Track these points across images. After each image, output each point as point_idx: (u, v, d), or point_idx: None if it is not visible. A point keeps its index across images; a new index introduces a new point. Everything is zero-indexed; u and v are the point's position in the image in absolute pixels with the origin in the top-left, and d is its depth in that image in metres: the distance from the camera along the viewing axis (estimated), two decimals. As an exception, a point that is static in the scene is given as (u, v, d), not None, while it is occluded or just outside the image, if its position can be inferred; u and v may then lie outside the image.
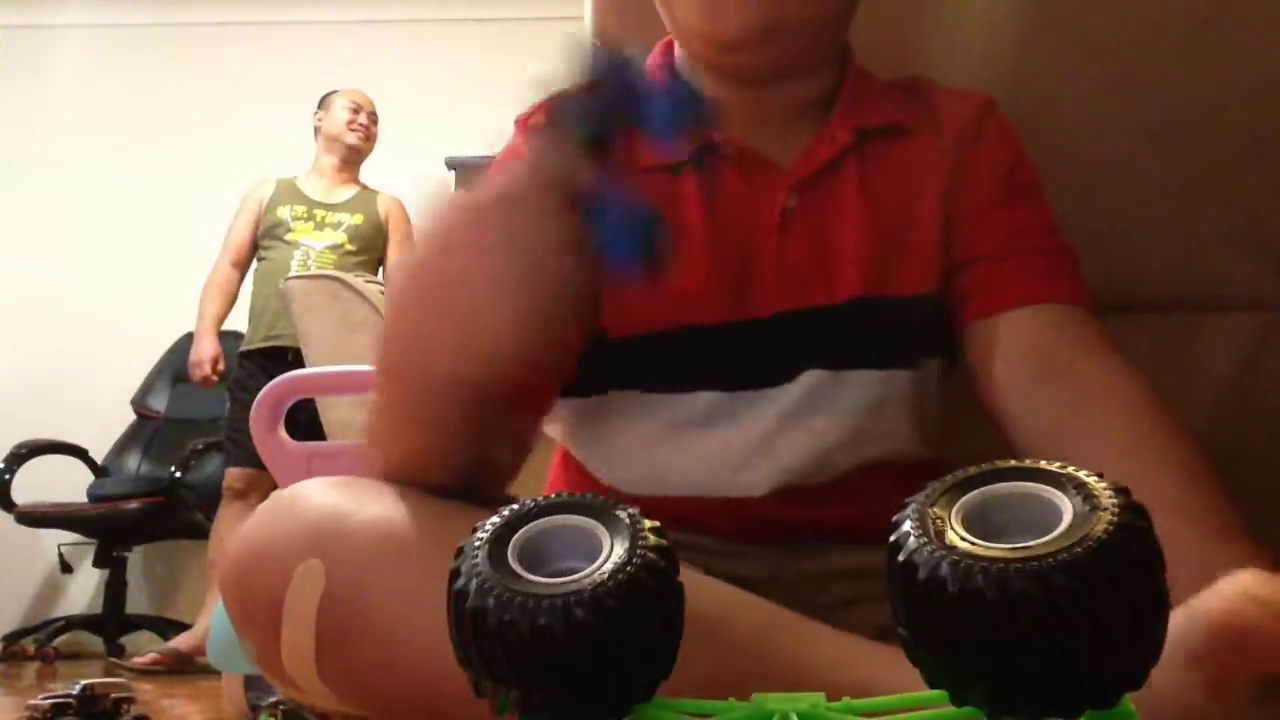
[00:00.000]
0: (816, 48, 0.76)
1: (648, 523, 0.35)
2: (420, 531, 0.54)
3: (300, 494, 0.57)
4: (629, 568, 0.33)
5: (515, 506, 0.37)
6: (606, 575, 0.33)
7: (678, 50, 0.80)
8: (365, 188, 3.20)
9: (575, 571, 0.34)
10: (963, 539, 0.30)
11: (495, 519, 0.36)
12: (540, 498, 0.37)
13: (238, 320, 3.11)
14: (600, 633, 0.32)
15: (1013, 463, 0.32)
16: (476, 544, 0.35)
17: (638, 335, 0.72)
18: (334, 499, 0.56)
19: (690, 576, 0.51)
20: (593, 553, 0.34)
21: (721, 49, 0.73)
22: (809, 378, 0.70)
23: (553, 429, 0.78)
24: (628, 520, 0.35)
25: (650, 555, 0.34)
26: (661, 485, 0.70)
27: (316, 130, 3.25)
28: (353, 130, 3.18)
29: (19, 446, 3.47)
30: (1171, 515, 0.53)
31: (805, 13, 0.72)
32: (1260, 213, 0.92)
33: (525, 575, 0.34)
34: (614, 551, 0.34)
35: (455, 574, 0.34)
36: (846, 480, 0.70)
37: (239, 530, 0.58)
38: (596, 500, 0.36)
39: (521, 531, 0.36)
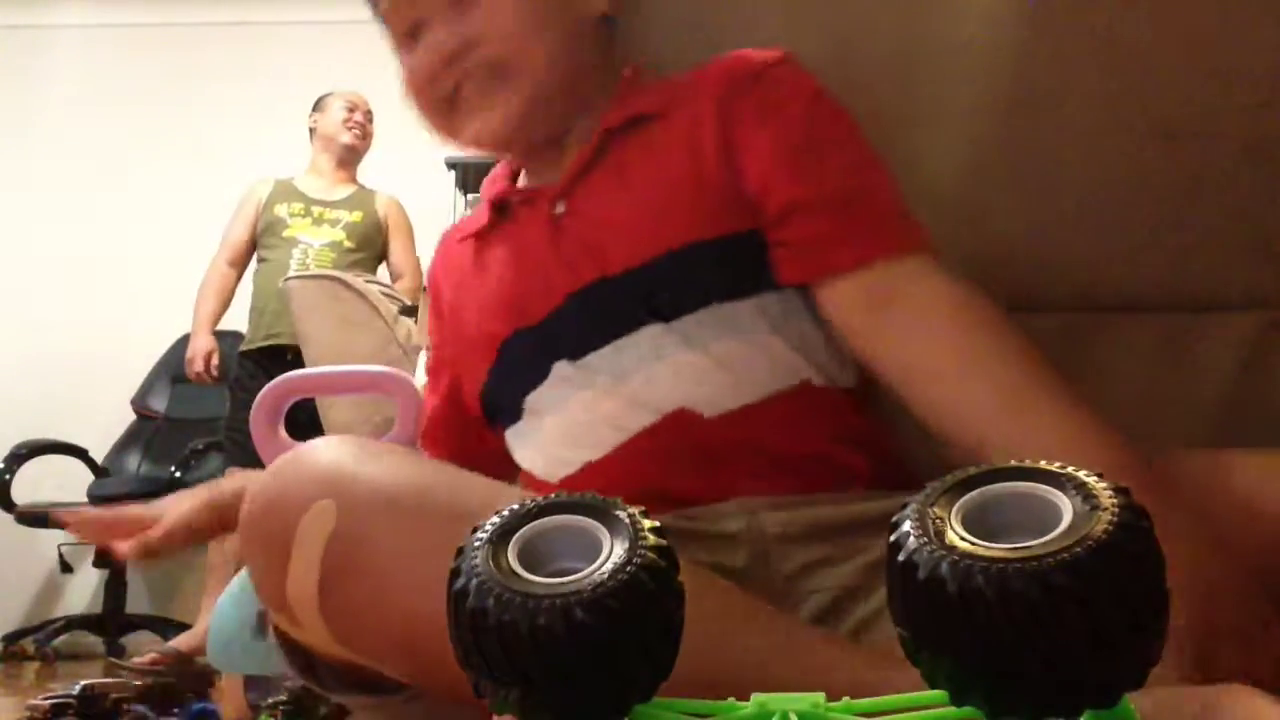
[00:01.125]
0: (573, 101, 0.84)
1: (648, 522, 0.35)
2: (418, 489, 0.60)
3: (316, 446, 0.63)
4: (629, 568, 0.33)
5: (515, 506, 0.37)
6: (607, 575, 0.33)
7: None
8: (362, 187, 3.21)
9: (575, 572, 0.34)
10: (963, 539, 0.30)
11: (495, 519, 0.36)
12: (540, 498, 0.37)
13: (238, 320, 3.11)
14: (600, 633, 0.32)
15: (1012, 463, 0.32)
16: (476, 544, 0.35)
17: (489, 377, 0.83)
18: (346, 451, 0.62)
19: (690, 577, 0.52)
20: (593, 553, 0.34)
21: (498, 148, 0.88)
22: (645, 332, 0.75)
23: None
24: (628, 520, 0.35)
25: (650, 555, 0.34)
26: (588, 452, 0.76)
27: (312, 132, 3.26)
28: (349, 129, 3.18)
29: (19, 446, 3.47)
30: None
31: (529, 96, 0.81)
32: (1260, 213, 0.92)
33: (525, 575, 0.34)
34: (614, 551, 0.34)
35: (455, 574, 0.34)
36: (757, 410, 0.73)
37: (259, 477, 0.64)
38: (597, 500, 0.36)
39: (521, 531, 0.36)
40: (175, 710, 1.43)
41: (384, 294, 2.04)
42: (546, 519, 0.36)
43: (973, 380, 0.67)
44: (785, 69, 0.80)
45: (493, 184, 0.91)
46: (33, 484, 3.39)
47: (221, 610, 1.91)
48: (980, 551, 0.29)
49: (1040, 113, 0.92)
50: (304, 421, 1.76)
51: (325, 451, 0.63)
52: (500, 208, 0.87)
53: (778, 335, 0.75)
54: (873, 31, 0.83)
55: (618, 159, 0.81)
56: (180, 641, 3.00)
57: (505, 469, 0.88)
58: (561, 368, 0.77)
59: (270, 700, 1.23)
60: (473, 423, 0.89)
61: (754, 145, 0.77)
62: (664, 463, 0.73)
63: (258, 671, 1.52)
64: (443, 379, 0.92)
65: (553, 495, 0.37)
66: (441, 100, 0.83)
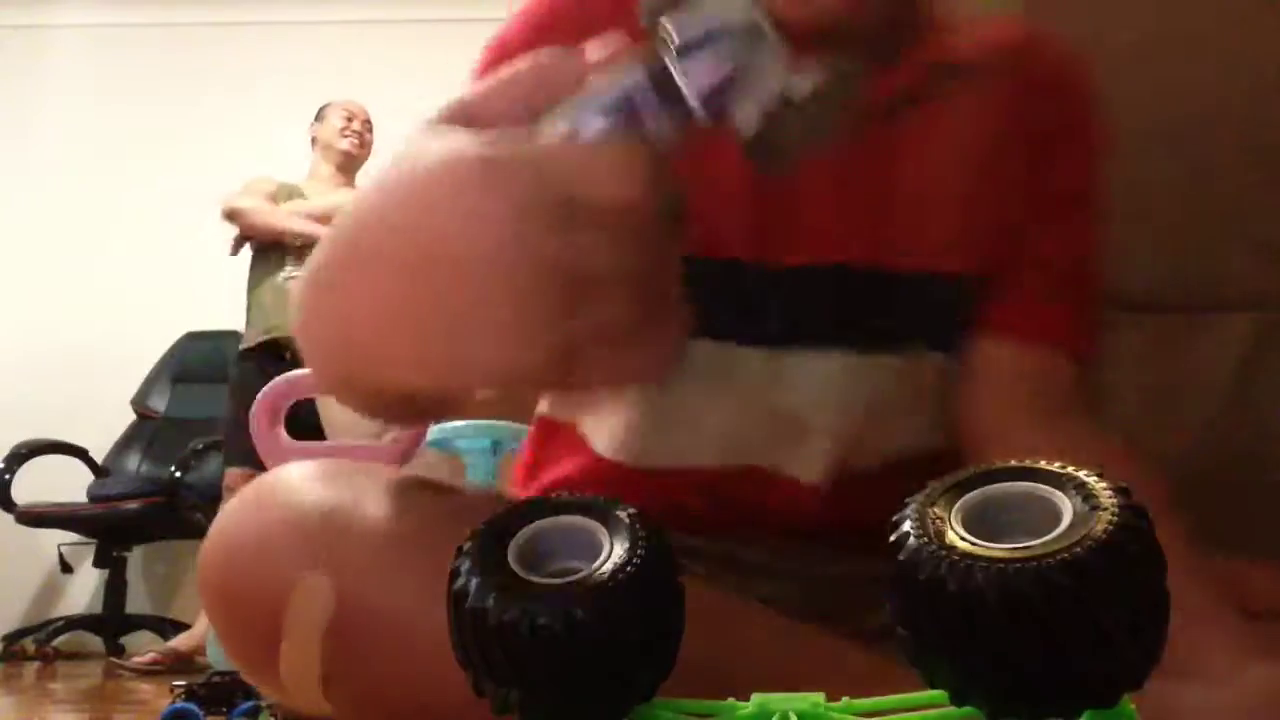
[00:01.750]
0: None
1: (648, 522, 0.36)
2: (428, 532, 0.49)
3: (288, 488, 0.51)
4: (629, 567, 0.33)
5: (514, 506, 0.37)
6: (607, 575, 0.33)
7: None
8: (358, 188, 3.22)
9: (576, 572, 0.34)
10: (963, 539, 0.30)
11: (494, 519, 0.36)
12: (540, 497, 0.37)
13: (237, 320, 3.11)
14: (600, 632, 0.32)
15: (1013, 462, 0.32)
16: (475, 543, 0.35)
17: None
18: (327, 495, 0.51)
19: (689, 579, 0.52)
20: (593, 553, 0.35)
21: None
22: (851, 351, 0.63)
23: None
24: (628, 520, 0.35)
25: (651, 555, 0.34)
26: (683, 454, 0.63)
27: (313, 141, 3.28)
28: (346, 137, 3.21)
29: (19, 446, 3.47)
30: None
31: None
32: (1260, 213, 0.92)
33: (525, 575, 0.34)
34: (614, 551, 0.34)
35: (455, 574, 0.34)
36: (881, 474, 0.64)
37: (218, 526, 0.52)
38: (597, 500, 0.36)
39: (521, 531, 0.36)
40: (225, 709, 1.43)
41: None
42: (547, 518, 0.36)
43: None
44: (1089, 93, 0.71)
45: None
46: (33, 484, 3.39)
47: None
48: (980, 551, 0.29)
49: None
50: (304, 421, 1.76)
51: (302, 494, 0.51)
52: None
53: (939, 401, 0.66)
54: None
55: (926, 112, 0.64)
56: (180, 641, 3.01)
57: None
58: (758, 352, 0.62)
59: (270, 700, 1.23)
60: None
61: (1048, 189, 0.68)
62: (733, 509, 0.64)
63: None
64: None
65: (553, 494, 0.37)
66: None
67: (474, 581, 0.34)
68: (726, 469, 0.63)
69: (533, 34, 0.68)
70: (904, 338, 0.64)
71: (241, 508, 0.52)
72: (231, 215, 3.06)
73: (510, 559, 0.35)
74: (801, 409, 0.63)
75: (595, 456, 0.65)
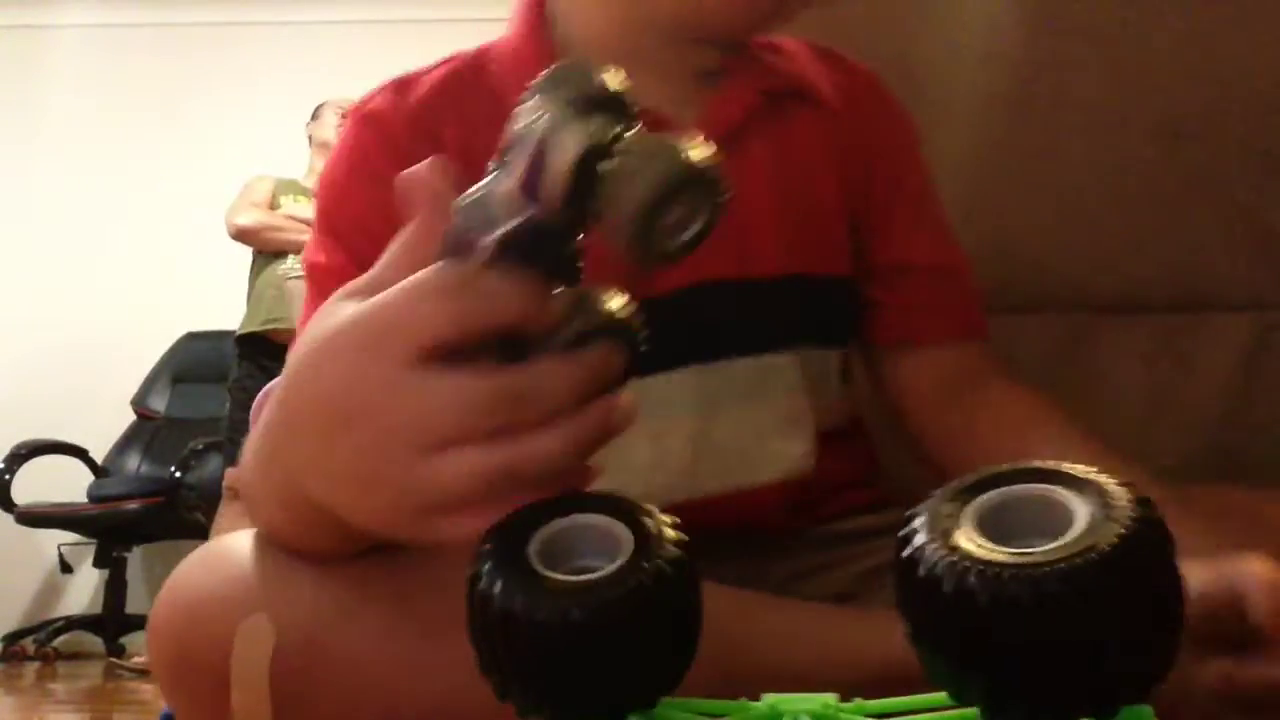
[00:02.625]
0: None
1: (666, 519, 0.35)
2: (371, 566, 0.49)
3: (235, 546, 0.52)
4: (647, 564, 0.33)
5: (532, 504, 0.37)
6: (625, 573, 0.33)
7: (576, 26, 0.72)
8: None
9: (595, 569, 0.34)
10: (969, 539, 0.30)
11: (512, 520, 0.36)
12: (558, 495, 0.37)
13: (237, 320, 3.11)
14: (619, 629, 0.32)
15: (1036, 464, 0.32)
16: (494, 544, 0.35)
17: None
18: (261, 546, 0.51)
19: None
20: (611, 550, 0.34)
21: (744, 25, 0.69)
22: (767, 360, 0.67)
23: None
24: (647, 518, 0.35)
25: (669, 552, 0.34)
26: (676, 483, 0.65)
27: (310, 139, 3.29)
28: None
29: (19, 446, 3.47)
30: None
31: None
32: (1260, 213, 0.92)
33: (545, 573, 0.34)
34: (632, 549, 0.34)
35: (476, 577, 0.34)
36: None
37: (167, 589, 0.52)
38: (616, 498, 0.36)
39: (541, 530, 0.35)
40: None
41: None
42: (566, 517, 0.36)
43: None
44: (892, 98, 0.76)
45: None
46: (33, 484, 3.40)
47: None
48: (980, 554, 0.29)
49: (1040, 113, 0.92)
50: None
51: (249, 549, 0.51)
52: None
53: (835, 386, 0.71)
54: (873, 32, 0.83)
55: (771, 132, 0.69)
56: (180, 641, 3.00)
57: None
58: (693, 370, 0.65)
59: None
60: None
61: (876, 193, 0.73)
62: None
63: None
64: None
65: (571, 493, 0.37)
66: None
67: (498, 583, 0.33)
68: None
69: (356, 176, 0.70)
70: (765, 340, 0.67)
71: (189, 568, 0.52)
72: (240, 236, 3.06)
73: (531, 557, 0.34)
74: (683, 427, 0.65)
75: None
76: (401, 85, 0.71)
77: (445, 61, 0.75)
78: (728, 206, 0.38)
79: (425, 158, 0.42)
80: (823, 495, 0.70)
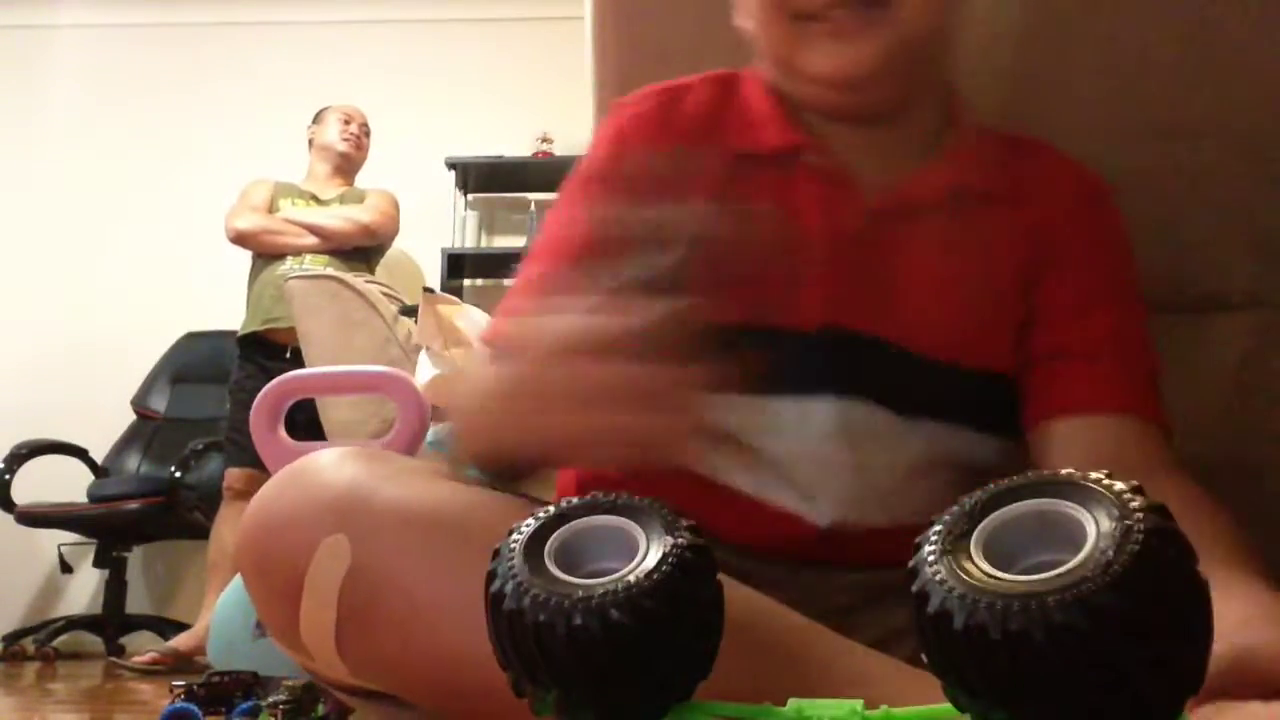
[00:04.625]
0: (916, 84, 0.75)
1: (685, 522, 0.35)
2: (445, 515, 0.53)
3: (318, 465, 0.57)
4: (665, 567, 0.33)
5: (552, 508, 0.37)
6: (643, 575, 0.33)
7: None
8: (355, 187, 3.23)
9: (612, 572, 0.34)
10: (978, 567, 0.29)
11: (531, 520, 0.36)
12: (576, 499, 0.37)
13: (237, 320, 3.11)
14: (637, 633, 0.32)
15: (1047, 474, 0.31)
16: (513, 545, 0.35)
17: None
18: (354, 472, 0.55)
19: (730, 585, 0.52)
20: (630, 553, 0.34)
21: (843, 89, 0.72)
22: (858, 404, 0.69)
23: None
24: (664, 520, 0.35)
25: (687, 554, 0.34)
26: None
27: (311, 143, 3.29)
28: (345, 140, 3.22)
29: (19, 446, 3.47)
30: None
31: (902, 36, 0.70)
32: (1260, 213, 0.92)
33: (562, 576, 0.34)
34: (650, 551, 0.34)
35: (492, 576, 0.34)
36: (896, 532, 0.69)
37: (256, 498, 0.57)
38: (633, 501, 0.36)
39: (558, 532, 0.35)
40: (224, 709, 1.43)
41: (384, 294, 2.04)
42: (583, 519, 0.36)
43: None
44: (1109, 205, 0.78)
45: (780, 108, 0.75)
46: (33, 484, 3.39)
47: (221, 610, 1.91)
48: (990, 585, 0.28)
49: (1040, 113, 0.92)
50: (304, 421, 1.76)
51: (331, 471, 0.56)
52: (787, 159, 0.74)
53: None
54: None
55: (949, 224, 0.72)
56: (180, 641, 3.00)
57: None
58: (849, 403, 0.69)
59: (270, 700, 1.23)
60: None
61: (1064, 293, 0.73)
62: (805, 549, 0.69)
63: (258, 671, 1.52)
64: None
65: (589, 496, 0.37)
66: (802, 15, 0.69)
67: (510, 583, 0.33)
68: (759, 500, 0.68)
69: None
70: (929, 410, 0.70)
71: (277, 485, 0.57)
72: (239, 239, 3.07)
73: (547, 560, 0.34)
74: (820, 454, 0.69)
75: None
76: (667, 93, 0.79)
77: (707, 79, 0.80)
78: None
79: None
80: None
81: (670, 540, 0.34)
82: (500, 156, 3.79)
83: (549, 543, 0.35)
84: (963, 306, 0.72)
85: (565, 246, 0.73)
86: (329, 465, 0.56)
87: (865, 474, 0.69)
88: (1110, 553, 0.27)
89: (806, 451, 0.69)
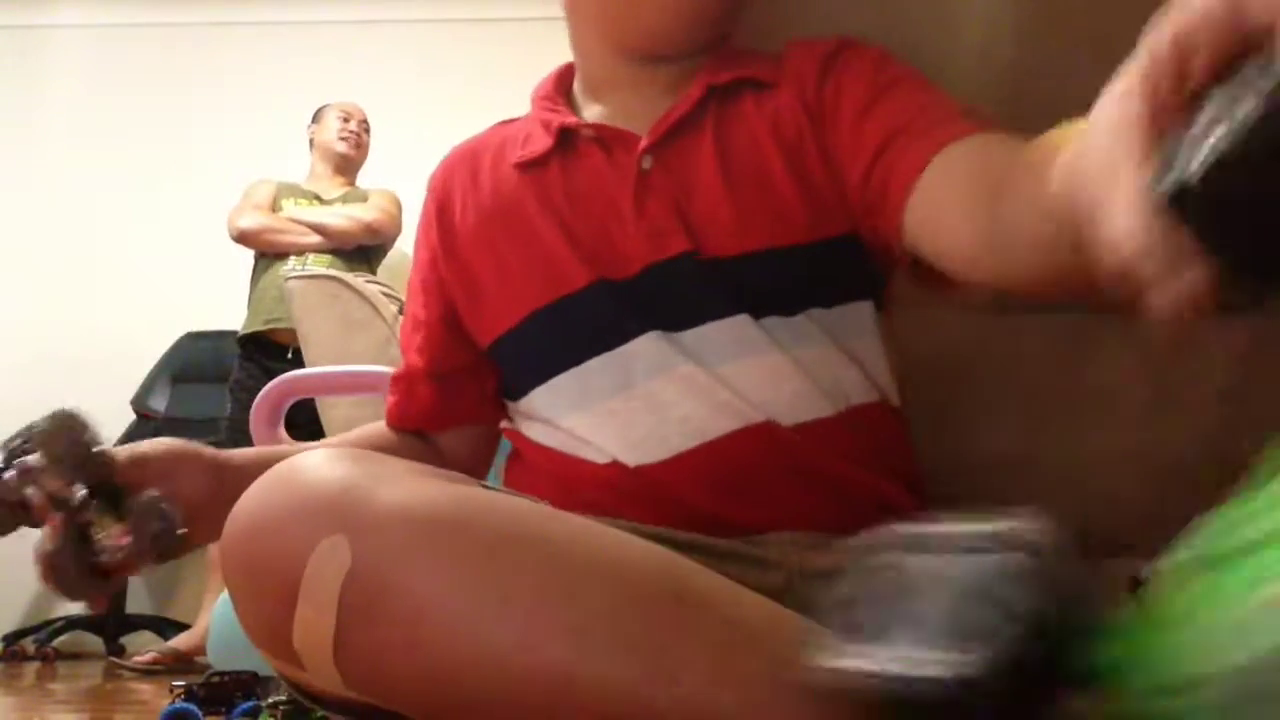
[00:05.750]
0: (721, 24, 0.83)
1: None
2: (447, 513, 0.51)
3: (307, 466, 0.54)
4: None
5: None
6: None
7: (576, 74, 0.89)
8: (357, 187, 3.23)
9: None
10: None
11: None
12: None
13: (237, 320, 3.11)
14: None
15: None
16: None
17: (515, 325, 0.80)
18: (347, 471, 0.53)
19: (726, 583, 0.52)
20: None
21: (685, 35, 0.81)
22: (734, 321, 0.73)
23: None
24: None
25: None
26: (654, 450, 0.72)
27: (311, 143, 3.29)
28: (343, 139, 3.22)
29: (19, 446, 3.47)
30: None
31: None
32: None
33: None
34: None
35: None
36: (830, 424, 0.72)
37: (240, 503, 0.55)
38: None
39: None
40: (225, 709, 1.43)
41: (384, 294, 2.04)
42: None
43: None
44: (851, 51, 0.80)
45: (548, 108, 0.86)
46: (33, 484, 3.39)
47: (221, 610, 1.91)
48: None
49: (1039, 114, 0.92)
50: (304, 421, 1.76)
51: (323, 471, 0.53)
52: (564, 138, 0.82)
53: (859, 346, 0.75)
54: (872, 34, 0.83)
55: (717, 124, 0.79)
56: (180, 641, 3.00)
57: (480, 424, 0.88)
58: (654, 337, 0.74)
59: (270, 700, 1.23)
60: (461, 363, 0.87)
61: (840, 131, 0.76)
62: (726, 479, 0.70)
63: (258, 671, 1.53)
64: (434, 301, 0.88)
65: None
66: None
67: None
68: (704, 445, 0.71)
69: None
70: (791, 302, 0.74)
71: (265, 485, 0.54)
72: (242, 238, 3.07)
73: None
74: (731, 374, 0.72)
75: (591, 465, 0.73)
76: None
77: (494, 126, 0.94)
78: None
79: None
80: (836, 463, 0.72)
81: None
82: (500, 156, 3.78)
83: None
84: (742, 194, 0.76)
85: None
86: (319, 465, 0.54)
87: (730, 383, 0.71)
88: None
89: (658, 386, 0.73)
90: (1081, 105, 0.92)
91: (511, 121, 0.91)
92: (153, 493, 0.68)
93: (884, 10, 0.93)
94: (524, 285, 0.80)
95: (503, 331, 0.81)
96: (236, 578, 0.55)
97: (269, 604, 0.53)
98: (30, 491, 0.64)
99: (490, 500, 0.54)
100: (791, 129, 0.78)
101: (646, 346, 0.74)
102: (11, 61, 4.13)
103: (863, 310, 0.77)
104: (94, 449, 0.66)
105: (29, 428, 0.67)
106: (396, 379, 0.91)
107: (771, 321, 0.73)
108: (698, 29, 0.81)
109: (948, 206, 0.67)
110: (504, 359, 0.83)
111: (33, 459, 0.65)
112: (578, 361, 0.76)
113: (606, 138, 0.81)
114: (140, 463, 0.72)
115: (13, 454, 0.65)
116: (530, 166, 0.83)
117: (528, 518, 0.53)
